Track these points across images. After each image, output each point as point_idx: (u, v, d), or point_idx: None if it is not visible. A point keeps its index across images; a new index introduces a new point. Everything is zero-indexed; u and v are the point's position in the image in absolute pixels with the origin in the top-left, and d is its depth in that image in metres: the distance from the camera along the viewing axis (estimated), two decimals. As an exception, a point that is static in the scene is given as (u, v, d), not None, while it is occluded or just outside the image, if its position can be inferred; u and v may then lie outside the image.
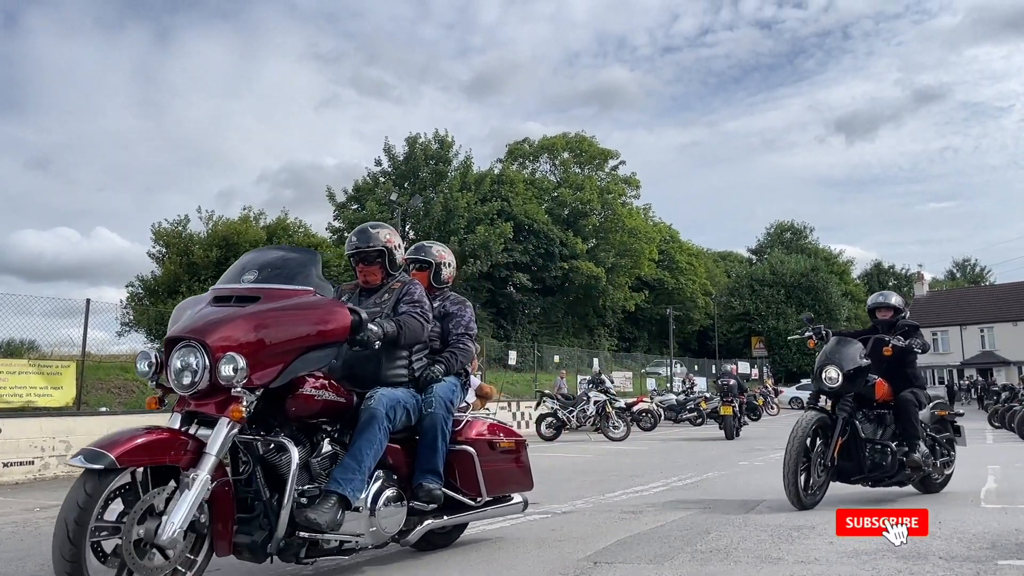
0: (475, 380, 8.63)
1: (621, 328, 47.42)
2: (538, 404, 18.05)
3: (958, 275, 76.05)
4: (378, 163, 35.88)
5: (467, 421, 4.39)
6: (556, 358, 29.32)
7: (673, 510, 5.92)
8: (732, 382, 16.66)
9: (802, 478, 5.75)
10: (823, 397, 6.15)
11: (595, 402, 16.61)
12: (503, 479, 4.47)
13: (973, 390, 40.28)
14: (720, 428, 16.41)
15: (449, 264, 4.73)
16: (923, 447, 6.12)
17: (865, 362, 5.99)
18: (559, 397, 17.80)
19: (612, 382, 19.67)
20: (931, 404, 6.61)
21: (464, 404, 4.49)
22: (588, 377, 20.92)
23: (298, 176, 72.65)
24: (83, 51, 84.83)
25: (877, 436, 6.06)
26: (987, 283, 68.31)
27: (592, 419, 16.57)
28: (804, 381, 40.89)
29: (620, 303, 43.84)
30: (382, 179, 35.23)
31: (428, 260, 4.65)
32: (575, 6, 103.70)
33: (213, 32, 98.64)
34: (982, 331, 50.27)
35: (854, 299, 64.02)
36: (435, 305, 4.44)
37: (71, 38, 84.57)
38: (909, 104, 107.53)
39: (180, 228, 27.89)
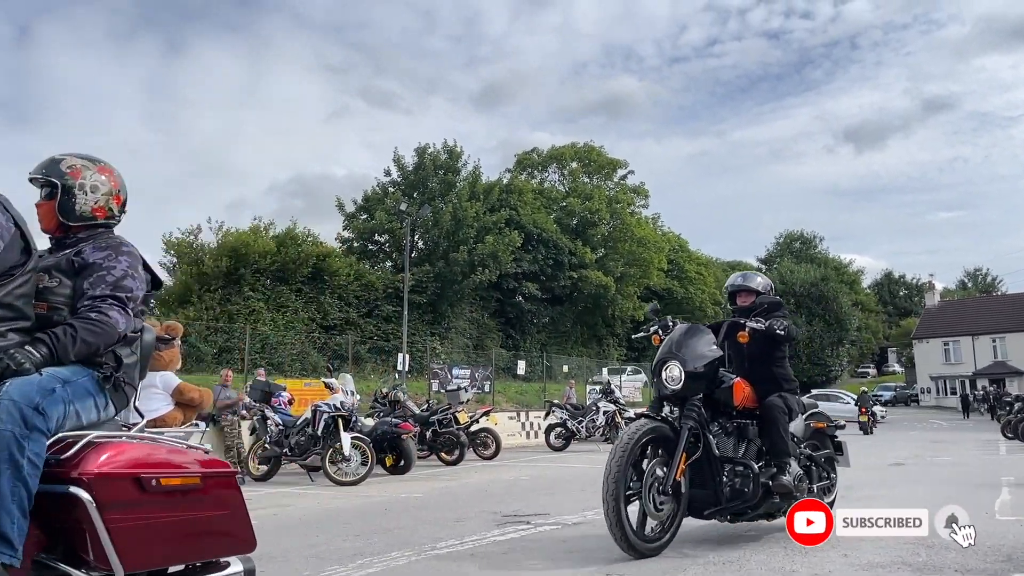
0: (168, 378, 5.57)
1: (630, 338, 47.30)
2: (547, 414, 18.01)
3: (969, 284, 75.57)
4: (387, 173, 36.01)
5: (91, 445, 2.41)
6: (565, 368, 29.31)
7: (684, 521, 5.87)
8: None
9: (631, 513, 4.40)
10: (668, 405, 4.89)
11: (604, 412, 16.57)
12: (181, 540, 2.54)
13: (986, 401, 39.96)
14: None
15: (93, 187, 2.82)
16: (795, 467, 4.97)
17: (716, 353, 4.78)
18: (568, 407, 17.76)
19: (621, 392, 19.67)
20: (806, 414, 5.47)
21: (139, 421, 2.77)
22: (597, 387, 20.88)
23: (307, 186, 73.05)
24: (95, 64, 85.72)
25: (738, 454, 4.81)
26: (999, 292, 67.88)
27: (601, 429, 16.53)
28: (815, 391, 40.68)
29: (629, 313, 43.75)
30: (391, 189, 35.31)
31: (52, 181, 2.79)
32: (582, 17, 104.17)
33: (223, 44, 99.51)
34: (994, 341, 49.91)
35: (864, 309, 63.85)
36: (65, 253, 2.73)
37: (83, 51, 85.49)
38: (918, 114, 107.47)
39: (192, 238, 28.08)
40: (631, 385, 30.61)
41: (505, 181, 41.89)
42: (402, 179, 35.48)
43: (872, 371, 71.96)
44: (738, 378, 4.93)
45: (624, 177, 48.58)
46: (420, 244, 34.04)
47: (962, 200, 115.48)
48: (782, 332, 4.94)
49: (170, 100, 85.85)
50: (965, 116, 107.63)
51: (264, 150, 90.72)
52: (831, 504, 5.35)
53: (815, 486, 5.33)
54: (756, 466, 4.67)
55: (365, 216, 34.82)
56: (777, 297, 5.46)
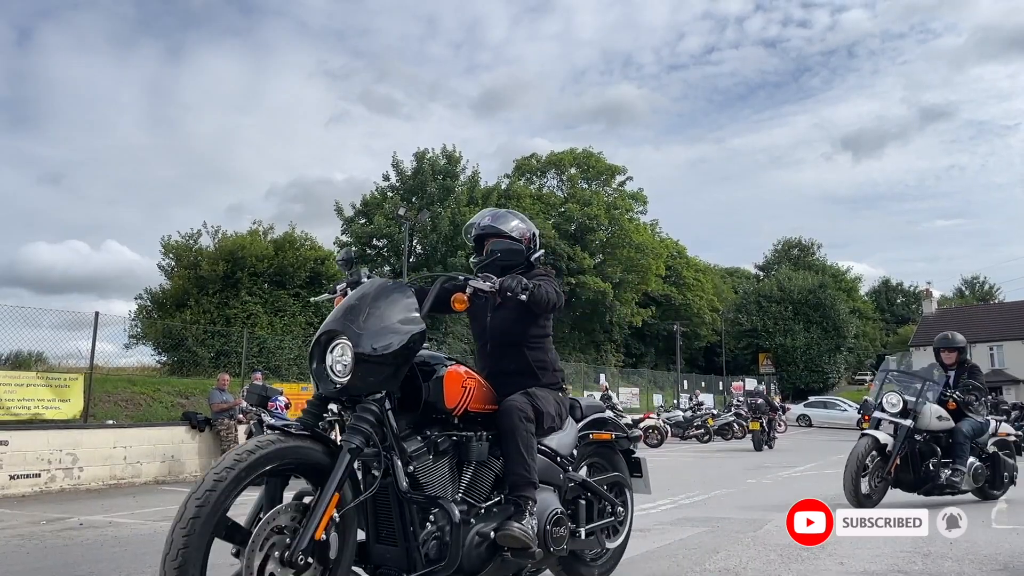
0: None
1: (628, 344, 47.30)
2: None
3: (967, 292, 75.70)
4: (386, 178, 36.08)
5: None
6: (562, 373, 29.21)
7: (681, 528, 5.87)
8: (760, 400, 18.86)
9: None
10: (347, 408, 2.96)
11: (602, 418, 16.55)
12: None
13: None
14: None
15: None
16: (549, 503, 3.31)
17: (415, 327, 2.91)
18: (565, 413, 17.73)
19: (619, 398, 19.72)
20: (587, 418, 3.79)
21: None
22: (600, 394, 20.91)
23: (307, 191, 73.04)
24: (96, 68, 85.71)
25: (457, 488, 3.04)
26: (996, 300, 67.96)
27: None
28: (812, 398, 40.65)
29: (627, 319, 43.77)
30: (390, 193, 35.37)
31: None
32: (581, 25, 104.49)
33: (224, 49, 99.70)
34: (991, 349, 49.91)
35: (862, 316, 63.84)
36: None
37: (84, 55, 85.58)
38: (915, 122, 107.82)
39: (191, 242, 28.06)
40: (628, 392, 30.59)
41: (504, 186, 41.92)
42: (401, 184, 35.52)
43: (870, 378, 71.99)
44: (454, 365, 3.12)
45: (623, 183, 48.66)
46: (418, 249, 34.08)
47: (960, 208, 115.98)
48: (525, 295, 3.05)
49: (171, 104, 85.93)
50: (962, 125, 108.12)
51: (264, 155, 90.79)
52: (619, 552, 3.94)
53: (585, 528, 3.58)
54: (457, 510, 2.88)
55: (364, 220, 34.86)
56: (531, 248, 3.63)
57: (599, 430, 3.87)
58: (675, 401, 31.69)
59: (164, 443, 12.02)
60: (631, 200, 48.03)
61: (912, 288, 77.02)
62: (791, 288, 53.44)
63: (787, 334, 51.44)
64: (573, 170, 47.37)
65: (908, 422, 6.95)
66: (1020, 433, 20.01)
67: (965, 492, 7.13)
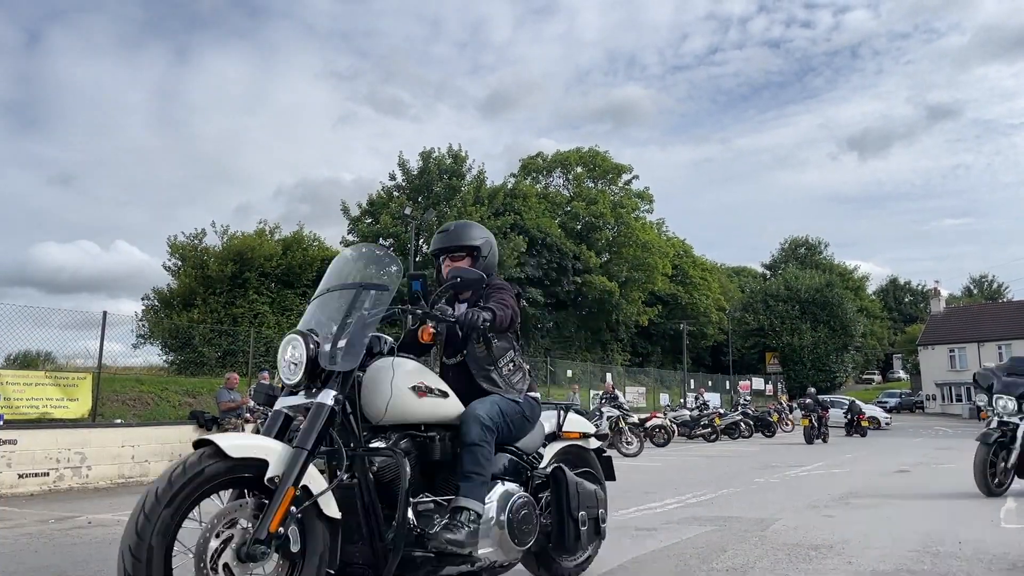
0: None
1: (634, 343, 47.24)
2: (551, 419, 17.97)
3: (975, 291, 75.38)
4: (392, 177, 36.07)
5: None
6: (569, 373, 29.25)
7: (688, 528, 5.86)
8: (809, 401, 21.72)
9: None
10: None
11: (608, 417, 16.53)
12: None
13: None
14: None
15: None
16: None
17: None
18: (572, 412, 17.72)
19: (625, 397, 19.79)
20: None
21: None
22: (601, 392, 20.88)
23: (314, 191, 73.27)
24: (104, 70, 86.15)
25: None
26: (1005, 299, 67.63)
27: (605, 435, 16.50)
28: (820, 398, 40.49)
29: (633, 318, 43.72)
30: (396, 193, 35.39)
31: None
32: (585, 26, 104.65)
33: (231, 51, 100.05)
34: (1000, 348, 49.65)
35: (870, 315, 63.65)
36: None
37: (92, 57, 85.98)
38: (921, 122, 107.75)
39: (196, 242, 28.13)
40: (635, 391, 30.57)
41: (510, 186, 41.89)
42: (407, 183, 35.54)
43: (877, 377, 71.76)
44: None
45: (629, 182, 48.62)
46: (424, 248, 34.06)
47: (966, 207, 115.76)
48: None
49: (178, 105, 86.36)
50: (968, 124, 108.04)
51: (271, 155, 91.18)
52: None
53: None
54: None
55: (370, 220, 34.89)
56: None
57: None
58: (681, 400, 31.64)
59: (172, 442, 12.05)
60: (637, 199, 47.99)
61: (920, 287, 76.91)
62: (798, 287, 53.30)
63: (794, 333, 51.32)
64: (579, 169, 47.33)
65: (330, 399, 2.82)
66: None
67: (498, 569, 3.23)
